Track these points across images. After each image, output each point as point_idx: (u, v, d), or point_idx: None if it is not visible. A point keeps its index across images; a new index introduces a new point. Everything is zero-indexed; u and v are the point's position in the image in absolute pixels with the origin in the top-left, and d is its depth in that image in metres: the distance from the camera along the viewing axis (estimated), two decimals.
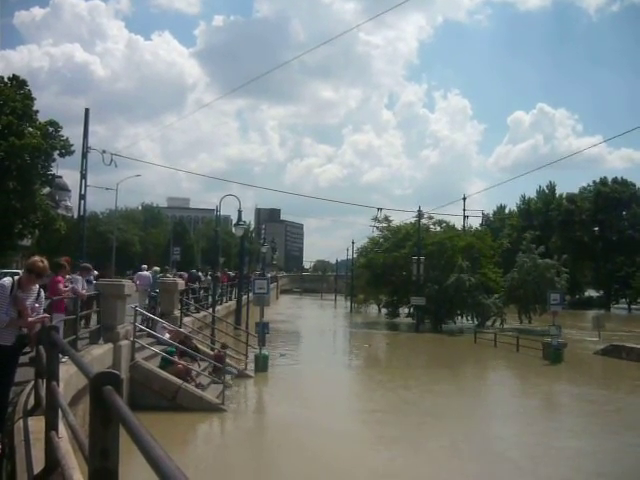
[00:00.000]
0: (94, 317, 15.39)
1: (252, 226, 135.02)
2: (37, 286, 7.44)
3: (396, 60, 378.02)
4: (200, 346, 21.49)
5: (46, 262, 7.48)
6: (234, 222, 40.28)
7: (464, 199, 60.20)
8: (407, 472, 12.81)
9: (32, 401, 7.81)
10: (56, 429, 4.96)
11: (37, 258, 7.49)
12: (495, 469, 13.33)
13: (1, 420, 7.10)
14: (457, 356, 32.98)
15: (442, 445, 14.76)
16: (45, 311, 9.55)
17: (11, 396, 8.99)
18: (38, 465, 5.16)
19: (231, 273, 51.23)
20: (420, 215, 50.04)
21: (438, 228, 54.40)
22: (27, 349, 7.84)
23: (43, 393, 7.20)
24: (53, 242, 66.40)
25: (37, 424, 6.73)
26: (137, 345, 16.64)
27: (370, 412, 19.32)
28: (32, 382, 9.02)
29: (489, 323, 46.22)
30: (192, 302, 27.97)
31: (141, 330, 17.85)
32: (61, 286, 12.19)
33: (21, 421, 7.08)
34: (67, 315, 12.06)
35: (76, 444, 4.54)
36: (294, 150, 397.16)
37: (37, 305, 7.30)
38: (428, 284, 46.58)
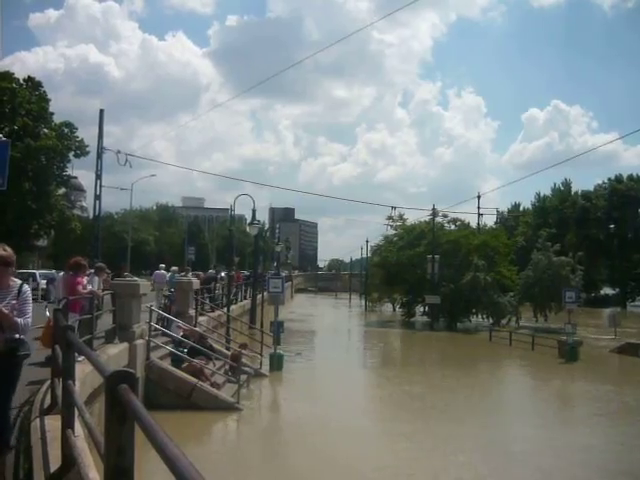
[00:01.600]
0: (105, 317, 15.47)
1: (266, 225, 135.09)
2: (18, 282, 6.52)
3: (410, 58, 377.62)
4: (215, 345, 21.53)
5: (9, 250, 6.47)
6: (249, 221, 40.36)
7: (478, 197, 60.20)
8: (419, 470, 12.78)
9: (48, 400, 7.87)
10: (72, 427, 5.00)
11: None
12: (501, 463, 13.44)
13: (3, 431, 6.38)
14: (472, 355, 32.87)
15: (456, 442, 14.76)
16: (61, 311, 9.60)
17: (26, 397, 9.07)
18: (54, 463, 5.20)
19: (246, 272, 51.32)
20: (434, 213, 49.97)
21: (453, 226, 54.22)
22: (24, 352, 6.50)
23: (59, 392, 7.27)
24: (69, 242, 66.79)
25: (53, 423, 6.79)
26: (152, 344, 16.68)
27: (384, 411, 19.37)
28: (48, 381, 9.11)
29: (504, 321, 46.03)
30: (207, 301, 28.02)
31: (156, 329, 17.89)
32: (80, 287, 12.27)
33: (38, 420, 7.14)
34: (82, 315, 12.10)
35: (92, 442, 4.57)
36: (308, 149, 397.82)
37: (14, 302, 6.26)
38: (443, 283, 46.46)
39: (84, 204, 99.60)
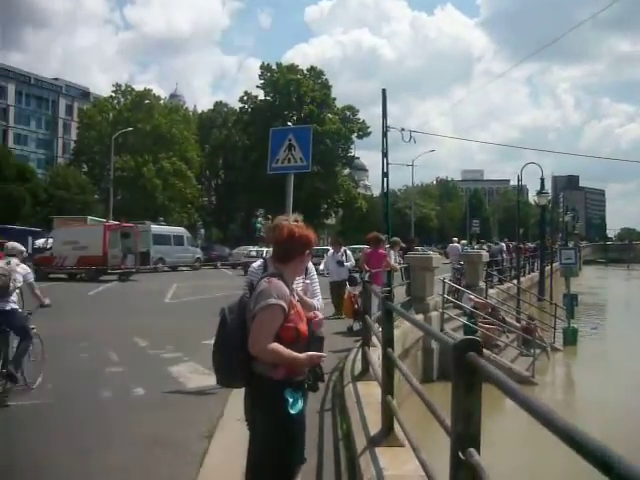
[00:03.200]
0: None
1: (549, 194, 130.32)
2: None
3: None
4: (507, 318, 21.20)
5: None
6: (529, 191, 39.12)
7: None
8: None
9: (358, 366, 8.31)
10: (392, 394, 5.18)
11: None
12: None
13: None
14: None
15: None
16: (368, 283, 10.02)
17: (334, 364, 9.66)
18: (374, 427, 5.44)
19: (530, 244, 50.26)
20: None
21: None
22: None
23: (370, 359, 7.65)
24: (354, 220, 70.09)
25: (366, 388, 7.16)
26: (445, 316, 16.85)
27: None
28: (355, 349, 9.65)
29: None
30: (496, 274, 27.70)
31: (448, 301, 18.05)
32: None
33: (351, 385, 7.57)
34: (382, 287, 12.61)
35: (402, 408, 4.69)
36: (590, 112, 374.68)
37: (307, 282, 4.97)
38: None
39: (367, 182, 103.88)
